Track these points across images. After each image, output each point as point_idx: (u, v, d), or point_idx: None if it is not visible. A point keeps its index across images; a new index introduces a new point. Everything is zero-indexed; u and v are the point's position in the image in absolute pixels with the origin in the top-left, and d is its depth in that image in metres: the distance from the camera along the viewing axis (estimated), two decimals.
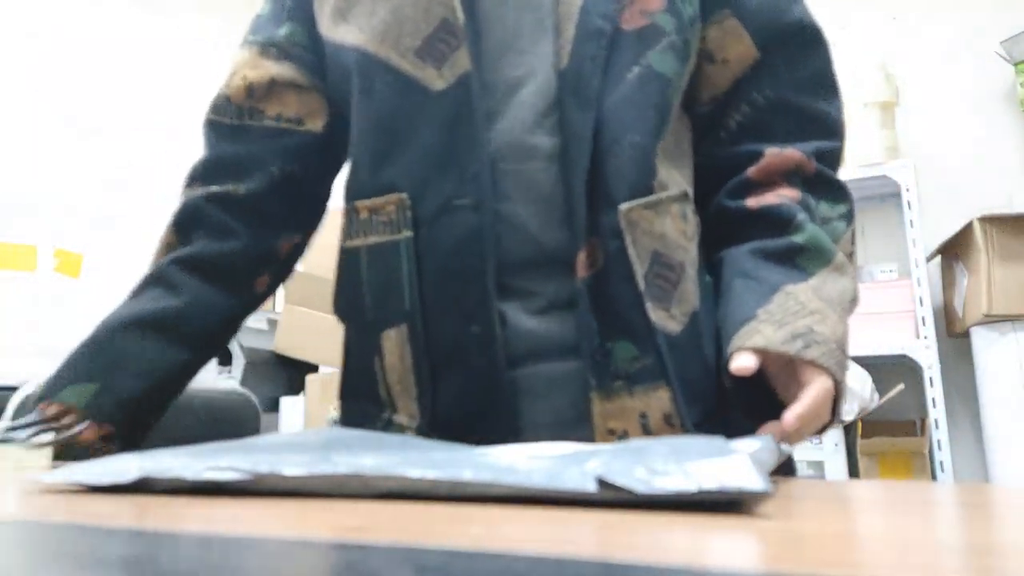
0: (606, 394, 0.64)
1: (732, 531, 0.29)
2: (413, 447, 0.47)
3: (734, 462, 0.36)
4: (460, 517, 0.33)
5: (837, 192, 0.72)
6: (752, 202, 0.71)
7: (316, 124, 0.82)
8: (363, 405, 0.74)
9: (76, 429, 0.69)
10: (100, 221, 2.45)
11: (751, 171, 0.72)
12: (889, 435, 2.10)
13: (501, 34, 0.69)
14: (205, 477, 0.40)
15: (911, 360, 2.08)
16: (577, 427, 0.65)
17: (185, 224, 0.81)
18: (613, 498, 0.35)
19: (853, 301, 0.69)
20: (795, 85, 0.73)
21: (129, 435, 0.74)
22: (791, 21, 0.73)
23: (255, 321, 2.98)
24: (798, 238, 0.68)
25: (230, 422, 1.26)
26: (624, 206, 0.65)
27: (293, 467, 0.40)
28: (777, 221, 0.69)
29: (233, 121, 0.81)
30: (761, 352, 0.62)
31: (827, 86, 0.74)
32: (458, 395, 0.67)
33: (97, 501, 0.38)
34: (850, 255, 0.71)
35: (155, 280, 0.78)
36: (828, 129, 0.73)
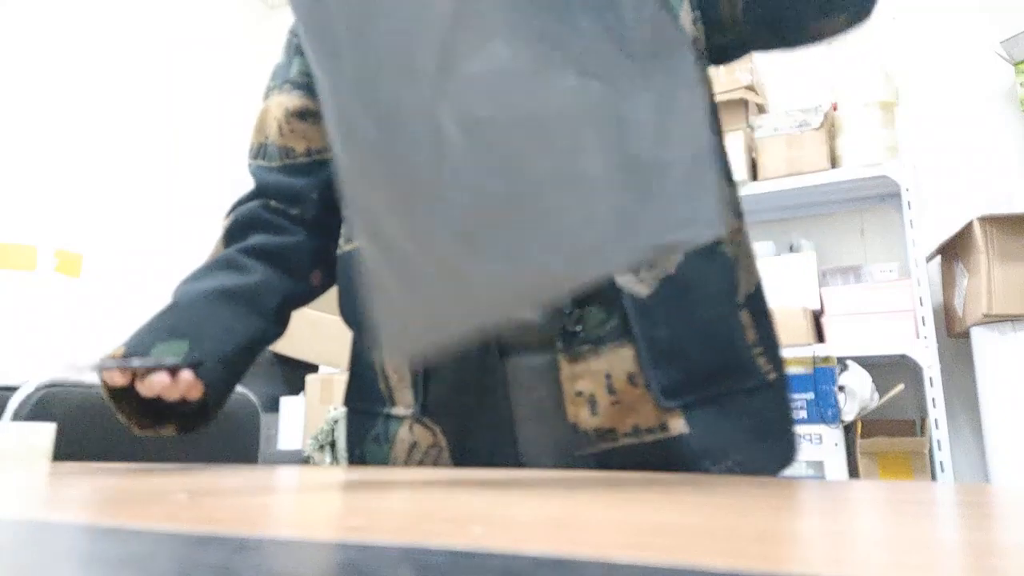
0: (572, 357, 0.66)
1: (732, 531, 0.29)
2: None
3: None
4: (460, 517, 0.33)
5: None
6: None
7: None
8: (365, 404, 0.78)
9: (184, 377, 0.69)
10: (100, 221, 2.45)
11: None
12: (889, 435, 2.10)
13: None
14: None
15: (911, 360, 2.08)
16: (557, 410, 0.67)
17: (243, 225, 0.85)
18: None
19: None
20: None
21: (215, 400, 0.75)
22: None
23: None
24: None
25: (230, 422, 1.26)
26: None
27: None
28: None
29: (274, 164, 0.86)
30: None
31: None
32: (453, 384, 0.70)
33: (97, 501, 0.38)
34: None
35: (224, 263, 0.81)
36: None
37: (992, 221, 1.96)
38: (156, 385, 0.67)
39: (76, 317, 1.52)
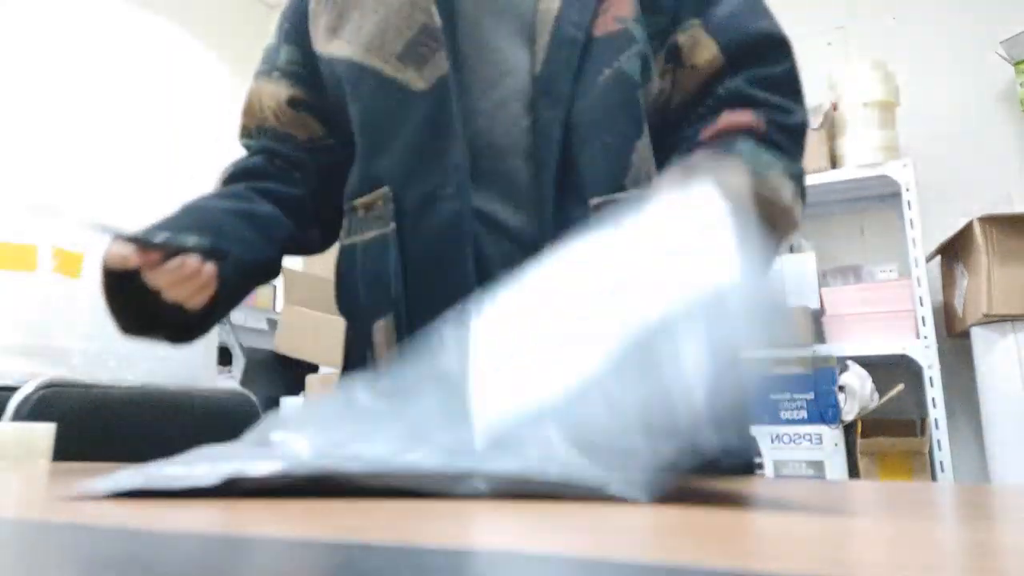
0: None
1: (732, 531, 0.29)
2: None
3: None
4: (460, 517, 0.33)
5: (785, 156, 0.71)
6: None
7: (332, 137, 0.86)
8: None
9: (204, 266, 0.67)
10: (100, 221, 2.45)
11: (703, 132, 0.72)
12: (889, 435, 2.09)
13: (479, 39, 0.72)
14: (297, 473, 0.39)
15: (911, 360, 2.07)
16: None
17: (247, 171, 0.84)
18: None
19: (769, 189, 0.67)
20: (758, 83, 0.73)
21: (220, 310, 0.74)
22: (757, 31, 0.75)
23: (255, 321, 2.98)
24: (721, 150, 0.68)
25: (230, 422, 1.26)
26: (594, 200, 0.68)
27: (377, 466, 0.40)
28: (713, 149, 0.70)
29: (269, 143, 0.85)
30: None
31: (791, 90, 0.75)
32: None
33: (97, 501, 0.38)
34: (787, 184, 0.69)
35: (233, 193, 0.81)
36: (786, 113, 0.73)
37: (992, 221, 1.96)
38: (172, 273, 0.64)
39: (76, 317, 1.52)
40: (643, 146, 0.72)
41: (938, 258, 2.29)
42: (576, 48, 0.70)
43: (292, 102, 0.84)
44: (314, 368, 2.63)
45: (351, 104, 0.77)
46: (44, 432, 0.67)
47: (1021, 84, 2.24)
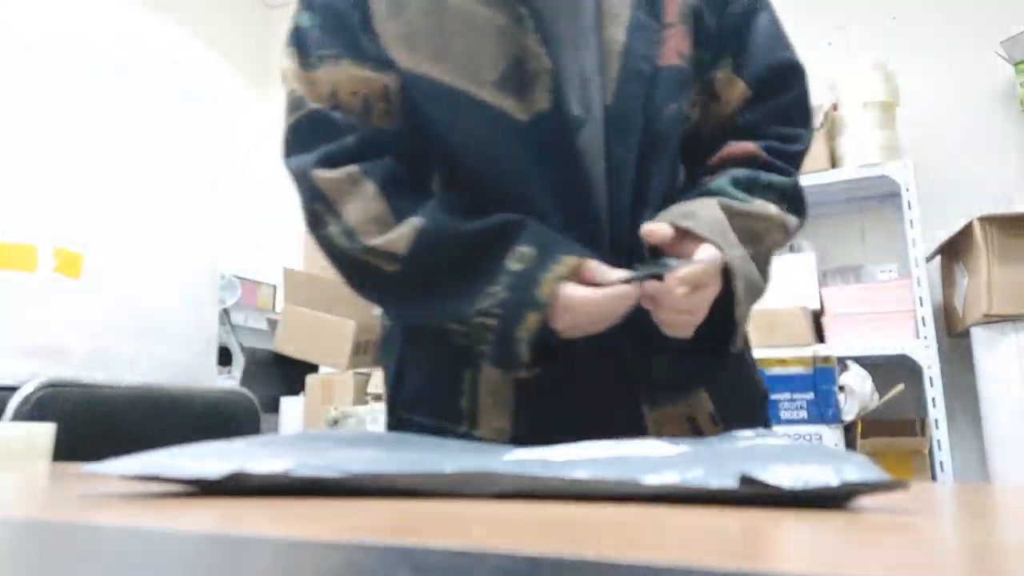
0: (651, 404, 0.71)
1: (732, 531, 0.29)
2: (472, 449, 0.48)
3: (858, 460, 0.40)
4: (460, 517, 0.33)
5: (781, 173, 0.75)
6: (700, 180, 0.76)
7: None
8: (432, 419, 0.74)
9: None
10: (100, 221, 2.45)
11: (710, 160, 0.77)
12: (889, 435, 2.09)
13: (567, 71, 0.71)
14: (299, 475, 0.39)
15: (911, 360, 2.07)
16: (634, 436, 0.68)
17: (405, 182, 0.73)
18: (751, 495, 0.37)
19: (747, 218, 0.70)
20: (771, 113, 0.78)
21: None
22: (778, 63, 0.78)
23: (255, 321, 2.98)
24: (707, 186, 0.73)
25: (230, 422, 1.26)
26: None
27: (392, 467, 0.40)
28: (704, 191, 0.73)
29: (371, 135, 0.74)
30: (648, 232, 0.66)
31: (799, 116, 0.80)
32: (550, 421, 0.67)
33: (97, 501, 0.38)
34: (772, 209, 0.73)
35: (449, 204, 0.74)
36: (788, 140, 0.78)
37: (992, 221, 1.96)
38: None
39: (76, 317, 1.52)
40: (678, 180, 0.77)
41: (938, 258, 2.29)
42: (645, 81, 0.71)
43: (388, 95, 0.74)
44: (314, 368, 2.63)
45: (446, 130, 0.72)
46: (44, 432, 0.67)
47: (1021, 84, 2.24)
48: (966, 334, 2.12)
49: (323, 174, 0.70)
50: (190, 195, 2.97)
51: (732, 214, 0.69)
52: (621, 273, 0.64)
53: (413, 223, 0.68)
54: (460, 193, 0.72)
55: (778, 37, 0.79)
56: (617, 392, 0.71)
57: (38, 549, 0.25)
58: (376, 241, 0.68)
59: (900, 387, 2.05)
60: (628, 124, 0.70)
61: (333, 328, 2.54)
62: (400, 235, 0.68)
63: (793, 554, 0.24)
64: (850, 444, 2.09)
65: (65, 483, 0.52)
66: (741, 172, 0.73)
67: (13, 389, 0.98)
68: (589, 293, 0.63)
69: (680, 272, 0.62)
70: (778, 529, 0.30)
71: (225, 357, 2.63)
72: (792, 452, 0.44)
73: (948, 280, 2.23)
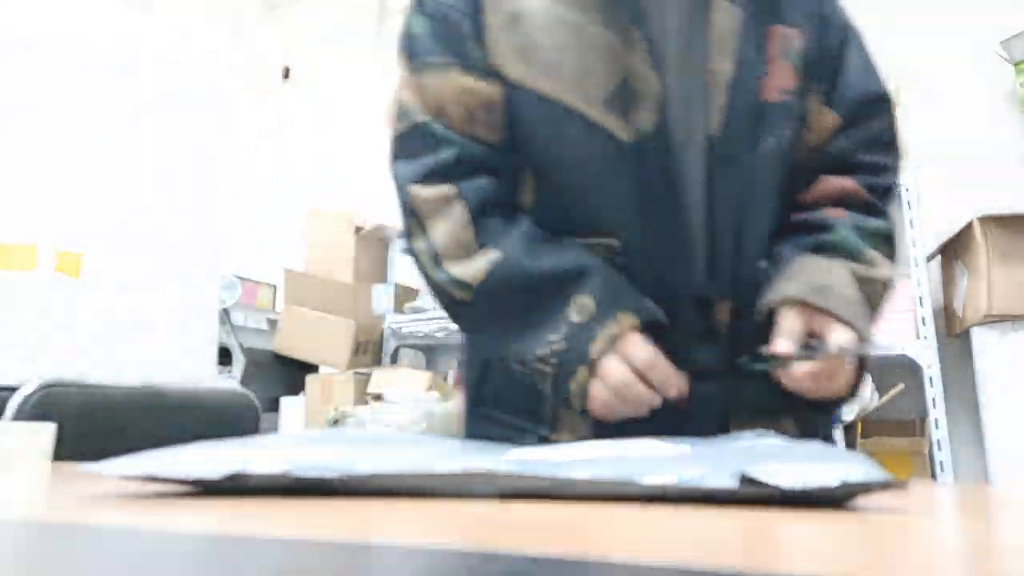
0: (740, 424, 0.71)
1: (732, 531, 0.29)
2: (473, 449, 0.48)
3: (860, 460, 0.40)
4: (460, 517, 0.33)
5: (880, 217, 0.78)
6: (795, 216, 0.77)
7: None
8: (513, 417, 0.75)
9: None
10: (100, 221, 2.45)
11: (805, 196, 0.78)
12: (889, 435, 2.09)
13: (674, 94, 0.72)
14: (299, 475, 0.39)
15: (911, 360, 2.07)
16: None
17: (496, 203, 0.74)
18: (751, 495, 0.37)
19: (871, 283, 0.73)
20: (861, 143, 0.80)
21: None
22: (870, 93, 0.81)
23: (255, 321, 2.98)
24: (828, 236, 0.74)
25: (230, 422, 1.26)
26: (762, 263, 0.72)
27: (392, 466, 0.40)
28: (813, 226, 0.75)
29: (479, 150, 0.75)
30: (780, 303, 0.69)
31: (889, 146, 0.83)
32: (631, 426, 0.67)
33: (97, 501, 0.38)
34: (881, 260, 0.75)
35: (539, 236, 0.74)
36: (881, 172, 0.81)
37: (992, 221, 1.96)
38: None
39: (76, 317, 1.52)
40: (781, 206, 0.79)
41: (938, 258, 2.29)
42: (751, 114, 0.72)
43: (493, 106, 0.74)
44: (314, 368, 2.63)
45: (550, 143, 0.73)
46: (44, 432, 0.67)
47: (1021, 84, 2.24)
48: (966, 334, 2.12)
49: (419, 191, 0.73)
50: (190, 195, 2.97)
51: (862, 282, 0.71)
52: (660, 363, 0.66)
53: (490, 256, 0.70)
54: (551, 208, 0.73)
55: (869, 67, 0.82)
56: (706, 408, 0.71)
57: (38, 549, 0.25)
58: (455, 270, 0.71)
59: (900, 387, 2.05)
60: (732, 154, 0.71)
61: (333, 328, 2.54)
62: (476, 267, 0.70)
63: (793, 554, 0.24)
64: (850, 444, 2.09)
65: (65, 483, 0.52)
66: (851, 221, 0.75)
67: (13, 389, 0.98)
68: (623, 368, 0.65)
69: (811, 367, 0.66)
70: (778, 529, 0.30)
71: (225, 357, 2.63)
72: (792, 451, 0.44)
73: (948, 280, 2.22)
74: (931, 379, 2.03)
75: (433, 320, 2.49)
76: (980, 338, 2.03)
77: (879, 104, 0.81)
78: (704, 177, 0.72)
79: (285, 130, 3.43)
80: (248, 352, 2.69)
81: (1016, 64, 2.24)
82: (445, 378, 2.64)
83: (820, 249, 0.73)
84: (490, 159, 0.74)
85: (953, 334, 2.21)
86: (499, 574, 0.20)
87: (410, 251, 0.75)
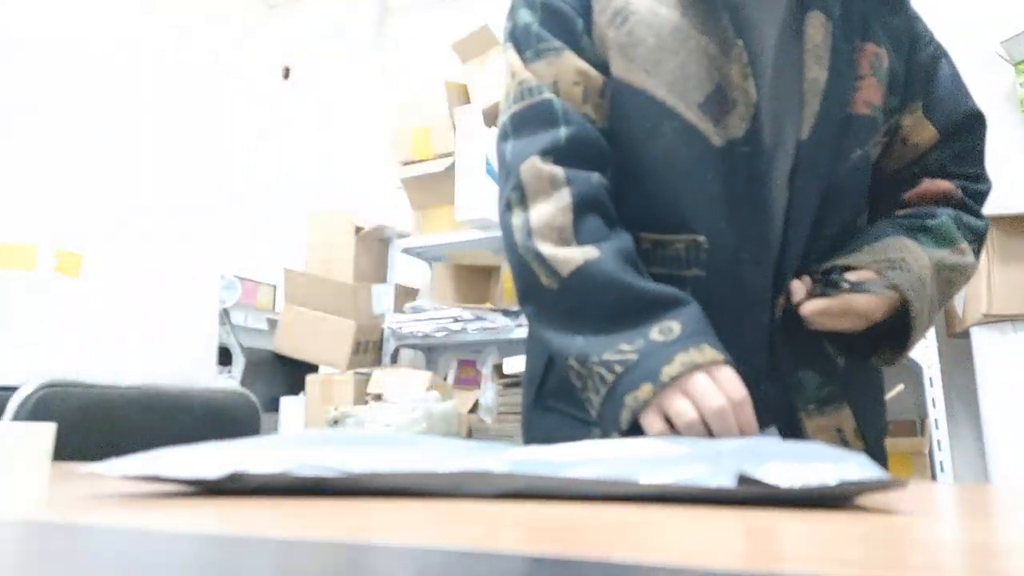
0: (807, 414, 0.75)
1: (732, 531, 0.29)
2: (474, 449, 0.48)
3: (859, 459, 0.40)
4: (460, 517, 0.33)
5: (977, 217, 0.83)
6: (900, 212, 0.82)
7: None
8: (576, 410, 0.77)
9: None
10: (100, 221, 2.45)
11: (907, 194, 0.83)
12: (889, 435, 2.09)
13: (767, 102, 0.74)
14: (298, 475, 0.39)
15: (911, 360, 2.07)
16: None
17: (599, 204, 0.74)
18: (749, 494, 0.37)
19: (951, 270, 0.77)
20: (957, 156, 0.85)
21: None
22: (965, 111, 0.84)
23: (255, 321, 2.98)
24: (929, 221, 0.78)
25: (230, 422, 1.26)
26: (824, 266, 0.75)
27: (391, 467, 0.40)
28: (918, 212, 0.80)
29: (582, 113, 0.77)
30: (848, 268, 0.73)
31: (980, 159, 0.88)
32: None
33: (97, 501, 0.38)
34: (970, 251, 0.80)
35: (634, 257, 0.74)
36: (976, 180, 0.86)
37: (992, 221, 1.95)
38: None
39: (76, 317, 1.52)
40: (863, 216, 0.83)
41: None
42: (839, 124, 0.75)
43: (603, 91, 0.77)
44: (314, 368, 2.63)
45: (648, 139, 0.75)
46: (44, 432, 0.67)
47: (1021, 84, 2.24)
48: (966, 334, 2.12)
49: (534, 163, 0.73)
50: (190, 195, 2.97)
51: (941, 267, 0.76)
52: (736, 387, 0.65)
53: (587, 252, 0.69)
54: (640, 203, 0.75)
55: (960, 84, 0.85)
56: (774, 403, 0.73)
57: (38, 549, 0.25)
58: (547, 250, 0.70)
59: (900, 387, 2.05)
60: (817, 162, 0.74)
61: (333, 328, 2.54)
62: (570, 257, 0.69)
63: (793, 554, 0.24)
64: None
65: (65, 483, 0.52)
66: (951, 212, 0.80)
67: (13, 389, 0.98)
68: (714, 392, 0.63)
69: (812, 305, 0.72)
70: (778, 529, 0.30)
71: (225, 357, 2.63)
72: (792, 450, 0.44)
73: None
74: (931, 379, 2.03)
75: (433, 320, 2.49)
76: (980, 338, 2.03)
77: (975, 122, 0.86)
78: (788, 181, 0.74)
79: (285, 130, 3.43)
80: (248, 352, 2.69)
81: (1016, 64, 2.24)
82: (445, 378, 2.64)
83: (919, 230, 0.77)
84: (603, 146, 0.76)
85: (953, 334, 2.20)
86: (499, 574, 0.20)
87: (505, 224, 0.75)
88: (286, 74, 3.51)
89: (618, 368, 0.65)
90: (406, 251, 2.68)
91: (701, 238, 0.73)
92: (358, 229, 2.66)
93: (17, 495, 0.43)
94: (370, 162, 3.18)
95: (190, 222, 2.79)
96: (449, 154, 2.43)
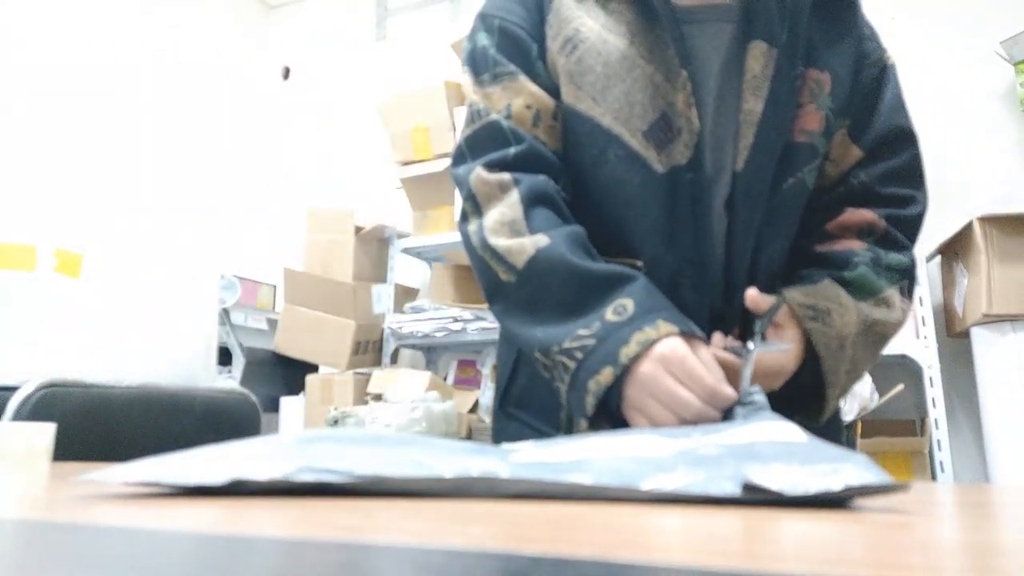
0: None
1: (731, 531, 0.29)
2: (475, 450, 0.48)
3: (859, 459, 0.40)
4: (460, 517, 0.33)
5: (901, 251, 0.80)
6: (819, 247, 0.80)
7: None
8: (536, 420, 0.79)
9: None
10: (100, 221, 2.45)
11: (829, 224, 0.81)
12: (889, 435, 2.09)
13: (709, 131, 0.75)
14: (301, 480, 0.39)
15: (911, 360, 2.07)
16: None
17: (544, 198, 0.75)
18: (754, 499, 0.37)
19: (881, 326, 0.75)
20: (884, 175, 0.81)
21: None
22: (894, 127, 0.82)
23: (255, 321, 2.98)
24: (847, 274, 0.76)
25: (230, 422, 1.26)
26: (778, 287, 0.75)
27: (393, 470, 0.40)
28: (834, 262, 0.77)
29: (541, 153, 0.78)
30: (779, 303, 0.71)
31: (913, 178, 0.83)
32: None
33: (97, 501, 0.38)
34: (897, 300, 0.78)
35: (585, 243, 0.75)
36: (905, 203, 0.82)
37: (992, 221, 1.96)
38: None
39: (76, 317, 1.52)
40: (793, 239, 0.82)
41: (938, 258, 2.29)
42: (776, 153, 0.75)
43: (555, 114, 0.79)
44: (314, 368, 2.63)
45: (594, 165, 0.77)
46: (44, 432, 0.67)
47: (1021, 84, 2.24)
48: (966, 334, 2.12)
49: (480, 174, 0.75)
50: (190, 195, 2.97)
51: (868, 325, 0.74)
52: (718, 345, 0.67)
53: (538, 240, 0.71)
54: (584, 224, 0.75)
55: (897, 103, 0.84)
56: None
57: (38, 549, 0.25)
58: (501, 243, 0.72)
59: (900, 387, 2.05)
60: (754, 190, 0.75)
61: (333, 328, 2.54)
62: (523, 247, 0.71)
63: (793, 554, 0.24)
64: (850, 444, 2.08)
65: (65, 483, 0.52)
66: (871, 256, 0.77)
67: (13, 389, 0.98)
68: (669, 377, 0.63)
69: (745, 371, 0.67)
70: (778, 529, 0.30)
71: (225, 357, 2.63)
72: (793, 451, 0.44)
73: (948, 280, 2.22)
74: (931, 379, 2.03)
75: (433, 320, 2.49)
76: (980, 338, 2.03)
77: (901, 138, 0.83)
78: (725, 209, 0.75)
79: (285, 130, 3.43)
80: (248, 352, 2.69)
81: (1016, 64, 2.24)
82: (445, 378, 2.64)
83: (839, 284, 0.76)
84: (553, 161, 0.78)
85: (953, 334, 2.21)
86: (499, 574, 0.20)
87: (463, 234, 0.77)
88: (286, 74, 3.51)
89: (578, 355, 0.66)
90: (406, 251, 2.68)
91: (639, 263, 0.74)
92: (358, 229, 2.66)
93: (17, 495, 0.43)
94: (370, 162, 3.18)
95: (190, 222, 2.79)
96: (449, 154, 2.43)
